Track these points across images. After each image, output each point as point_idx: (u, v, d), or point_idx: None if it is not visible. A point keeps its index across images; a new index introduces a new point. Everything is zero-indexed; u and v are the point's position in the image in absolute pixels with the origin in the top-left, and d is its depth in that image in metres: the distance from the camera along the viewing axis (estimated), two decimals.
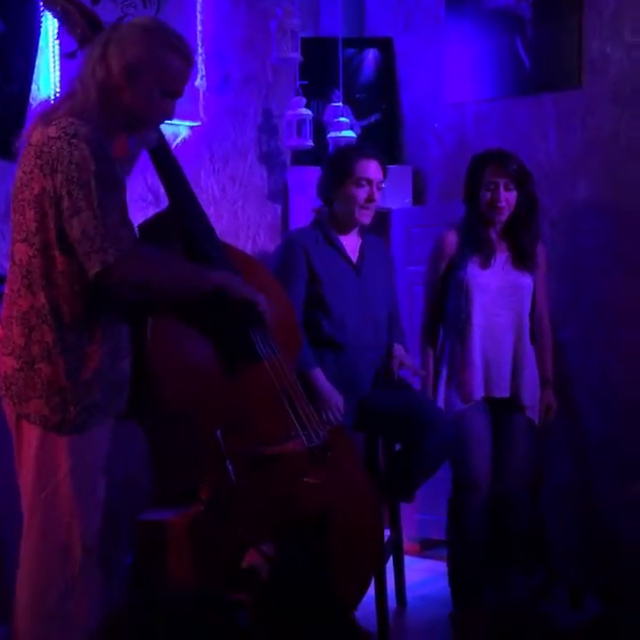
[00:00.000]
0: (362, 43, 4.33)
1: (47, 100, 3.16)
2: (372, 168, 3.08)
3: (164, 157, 2.41)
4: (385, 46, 4.32)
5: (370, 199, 3.07)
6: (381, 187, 3.12)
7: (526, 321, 3.25)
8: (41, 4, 3.14)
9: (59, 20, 2.32)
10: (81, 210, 2.06)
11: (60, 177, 2.08)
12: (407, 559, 3.57)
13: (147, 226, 2.39)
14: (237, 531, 2.23)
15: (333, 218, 3.15)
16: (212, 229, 2.42)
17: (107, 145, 2.14)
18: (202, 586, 2.23)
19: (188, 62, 2.26)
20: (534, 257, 3.23)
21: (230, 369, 2.35)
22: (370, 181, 3.07)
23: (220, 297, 2.24)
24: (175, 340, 2.30)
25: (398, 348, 3.19)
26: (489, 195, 3.14)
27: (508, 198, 3.13)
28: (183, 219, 2.39)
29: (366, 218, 3.11)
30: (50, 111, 2.21)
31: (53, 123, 2.12)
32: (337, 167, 3.11)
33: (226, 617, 1.79)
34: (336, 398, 2.94)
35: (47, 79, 3.30)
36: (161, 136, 2.43)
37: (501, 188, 3.12)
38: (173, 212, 2.40)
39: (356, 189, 3.06)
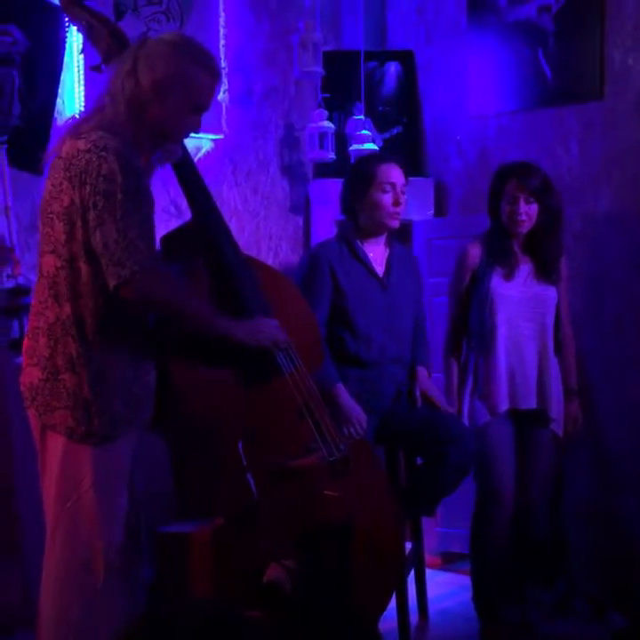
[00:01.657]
0: (383, 56, 4.34)
1: (75, 117, 3.19)
2: (394, 172, 3.07)
3: (187, 171, 2.43)
4: (406, 59, 4.33)
5: (396, 203, 3.06)
6: (405, 190, 3.11)
7: (550, 333, 3.24)
8: (66, 19, 3.22)
9: (84, 35, 2.35)
10: (104, 222, 2.08)
11: (87, 189, 2.10)
12: (428, 573, 3.55)
13: (168, 238, 2.41)
14: (259, 544, 2.23)
15: (359, 228, 3.14)
16: (234, 243, 2.43)
17: (135, 159, 2.16)
18: (218, 600, 2.23)
19: (215, 77, 2.28)
20: (558, 270, 3.23)
21: (252, 382, 2.36)
22: (393, 185, 3.06)
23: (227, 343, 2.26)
24: (198, 353, 2.31)
25: (422, 373, 3.18)
26: (509, 208, 3.14)
27: (528, 211, 3.13)
28: (206, 232, 2.40)
29: (395, 222, 3.10)
30: (79, 124, 2.24)
31: (83, 136, 2.15)
32: (359, 176, 3.10)
33: (240, 634, 1.79)
34: (358, 414, 2.93)
35: (72, 94, 3.34)
36: (184, 149, 2.45)
37: (521, 202, 3.12)
38: (196, 226, 2.42)
39: (382, 195, 3.06)
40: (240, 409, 2.35)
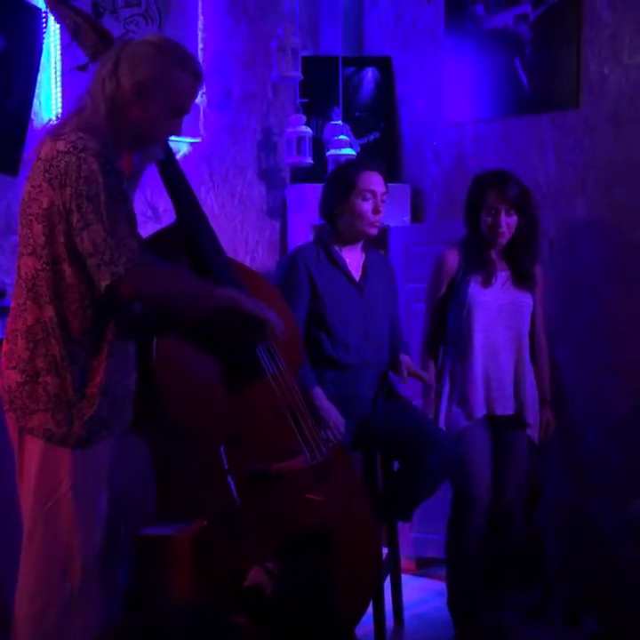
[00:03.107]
0: (361, 61, 4.36)
1: (51, 121, 3.17)
2: (375, 180, 3.08)
3: (171, 171, 2.42)
4: (384, 65, 4.35)
5: (376, 211, 3.07)
6: (385, 199, 3.12)
7: (526, 339, 3.27)
8: (44, 17, 3.20)
9: (70, 34, 2.33)
10: (90, 223, 2.07)
11: (69, 191, 2.08)
12: (403, 578, 3.56)
13: (154, 240, 2.39)
14: (241, 547, 2.22)
15: (337, 234, 3.14)
16: (219, 244, 2.43)
17: (114, 159, 2.15)
18: (199, 602, 2.22)
19: (197, 79, 2.27)
20: (534, 277, 3.25)
21: (235, 385, 2.35)
22: (374, 193, 3.07)
23: (231, 313, 2.23)
24: (179, 354, 2.30)
25: (405, 357, 3.19)
26: (490, 219, 3.15)
27: (508, 223, 3.15)
28: (190, 233, 2.39)
29: (373, 230, 3.11)
30: (59, 126, 2.22)
31: (62, 137, 2.13)
32: (340, 182, 3.10)
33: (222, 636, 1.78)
34: (336, 417, 2.93)
35: (48, 95, 3.32)
36: (168, 150, 2.44)
37: (502, 214, 3.13)
38: (180, 227, 2.40)
39: (362, 202, 3.06)
40: (223, 411, 2.34)
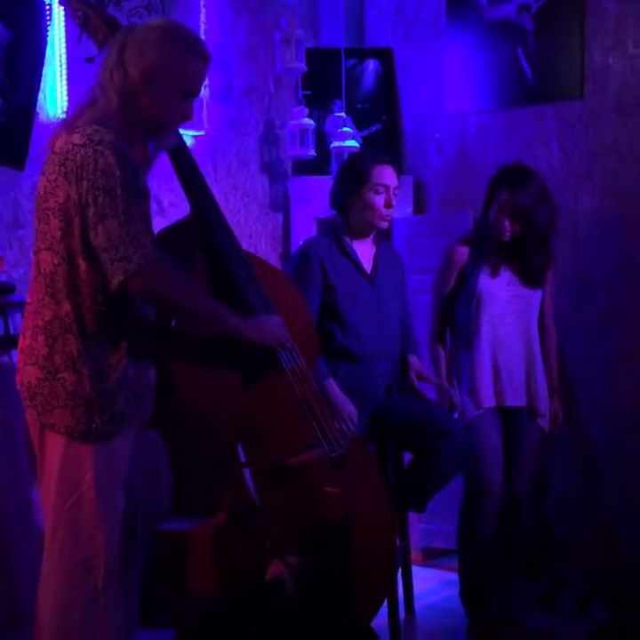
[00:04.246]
0: (362, 53, 4.35)
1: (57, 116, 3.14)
2: (388, 174, 3.07)
3: (184, 161, 2.40)
4: (385, 57, 4.34)
5: (388, 205, 3.07)
6: (397, 192, 3.12)
7: (535, 330, 3.27)
8: (48, 10, 3.17)
9: (80, 26, 2.30)
10: (106, 217, 2.04)
11: (85, 184, 2.05)
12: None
13: (168, 233, 2.37)
14: (262, 541, 2.21)
15: (348, 226, 3.14)
16: (234, 237, 2.41)
17: (130, 152, 2.12)
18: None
19: (205, 62, 2.23)
20: (544, 277, 3.25)
21: (252, 378, 2.34)
22: (387, 188, 3.06)
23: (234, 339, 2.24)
24: (197, 350, 2.29)
25: (413, 359, 3.20)
26: (496, 215, 3.14)
27: (512, 225, 3.13)
28: (205, 226, 2.37)
29: (384, 223, 3.11)
30: (72, 118, 2.19)
31: (77, 130, 2.10)
32: (353, 174, 3.09)
33: None
34: (349, 408, 2.94)
35: (54, 89, 3.30)
36: (180, 139, 2.41)
37: (507, 216, 3.11)
38: (195, 219, 2.39)
39: (374, 196, 3.06)
40: (240, 406, 2.33)
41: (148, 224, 2.12)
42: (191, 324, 2.25)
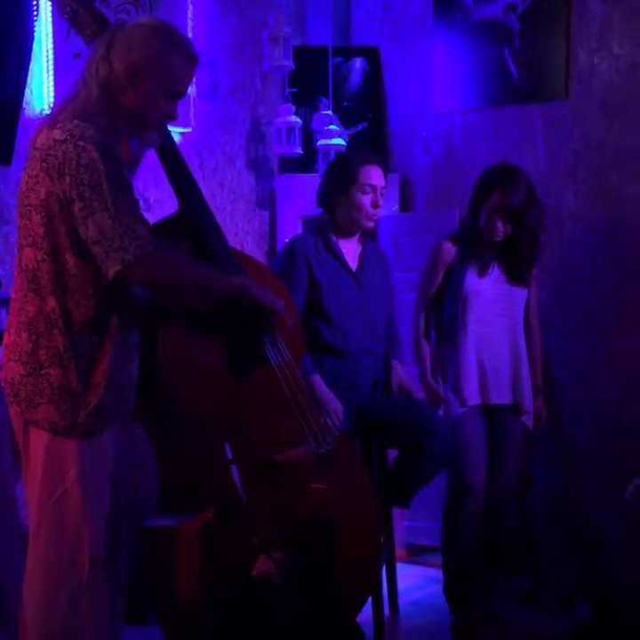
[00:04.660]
0: (349, 51, 4.36)
1: (48, 108, 3.13)
2: (376, 174, 3.09)
3: (172, 157, 2.40)
4: (372, 55, 4.35)
5: (375, 205, 3.08)
6: (384, 192, 3.13)
7: (521, 329, 3.30)
8: (35, 5, 3.16)
9: (69, 22, 2.29)
10: (95, 211, 2.03)
11: (68, 180, 2.04)
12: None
13: (155, 229, 2.36)
14: (249, 537, 2.22)
15: (334, 224, 3.15)
16: (222, 234, 2.41)
17: (113, 146, 2.11)
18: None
19: (193, 63, 2.23)
20: (529, 276, 3.28)
21: (239, 373, 2.34)
22: (374, 188, 3.07)
23: (239, 300, 2.22)
24: (185, 343, 2.29)
25: (397, 366, 3.23)
26: (489, 218, 3.16)
27: (506, 226, 3.16)
28: (193, 221, 2.37)
29: (370, 223, 3.13)
30: (54, 114, 2.17)
31: (58, 125, 2.08)
32: (341, 173, 3.10)
33: None
34: (335, 404, 2.95)
35: (40, 84, 3.29)
36: (168, 136, 2.41)
37: (501, 218, 3.14)
38: (183, 215, 2.39)
39: (362, 196, 3.07)
40: (227, 401, 2.33)
41: (139, 213, 2.11)
42: (197, 298, 2.21)
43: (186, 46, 2.22)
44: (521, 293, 3.29)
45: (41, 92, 3.29)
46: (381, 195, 3.11)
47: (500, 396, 3.25)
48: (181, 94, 2.25)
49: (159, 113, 2.22)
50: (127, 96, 2.16)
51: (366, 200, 3.07)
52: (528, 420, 3.30)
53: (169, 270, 2.13)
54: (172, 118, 2.27)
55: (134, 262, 2.03)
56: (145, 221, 2.12)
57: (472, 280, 3.22)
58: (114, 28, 2.20)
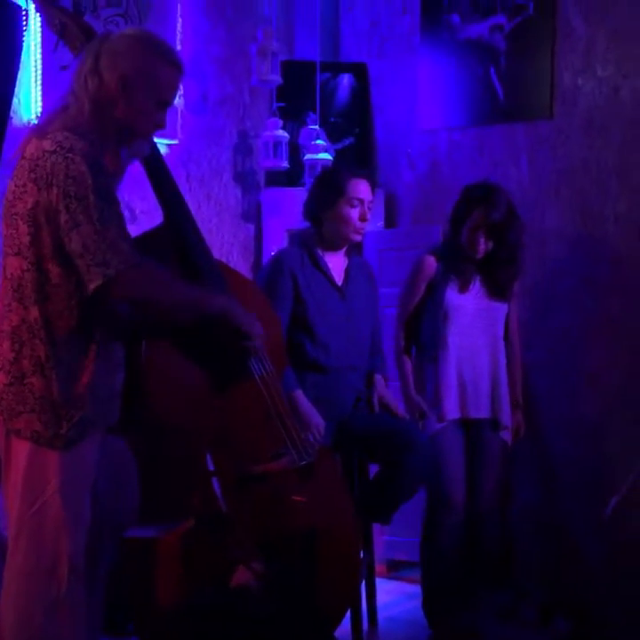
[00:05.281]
0: (337, 67, 4.39)
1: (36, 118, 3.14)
2: (363, 188, 3.10)
3: (158, 168, 2.42)
4: (359, 71, 4.39)
5: (362, 218, 3.09)
6: (371, 206, 3.15)
7: (501, 344, 3.33)
8: (25, 15, 3.17)
9: (57, 34, 2.31)
10: (80, 223, 2.04)
11: (55, 191, 2.05)
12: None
13: (140, 240, 2.38)
14: (229, 548, 2.23)
15: (321, 238, 3.15)
16: (206, 246, 2.43)
17: (102, 159, 2.13)
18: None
19: (179, 70, 2.25)
20: (510, 292, 3.31)
21: (222, 385, 2.36)
22: (362, 201, 3.09)
23: (220, 322, 2.24)
24: (168, 356, 2.30)
25: (379, 381, 3.24)
26: (471, 235, 3.19)
27: (487, 243, 3.20)
28: (178, 234, 2.39)
29: (358, 237, 3.14)
30: (44, 124, 2.19)
31: (48, 136, 2.10)
32: (329, 187, 3.11)
33: None
34: (317, 420, 2.95)
35: (28, 94, 3.30)
36: (154, 147, 2.43)
37: (483, 234, 3.17)
38: (168, 227, 2.40)
39: (349, 210, 3.08)
40: (210, 413, 2.35)
41: (124, 229, 2.13)
42: (178, 315, 2.24)
43: (170, 55, 2.25)
44: (501, 309, 3.32)
45: (28, 102, 3.30)
46: (369, 208, 3.12)
47: (479, 411, 3.27)
48: (170, 102, 2.27)
49: (149, 122, 2.24)
50: (119, 107, 2.18)
51: (354, 213, 3.08)
52: (506, 435, 3.33)
53: (150, 287, 2.15)
54: (160, 127, 2.29)
55: (115, 277, 2.05)
56: (129, 238, 2.13)
57: (453, 295, 3.25)
58: (100, 40, 2.22)
